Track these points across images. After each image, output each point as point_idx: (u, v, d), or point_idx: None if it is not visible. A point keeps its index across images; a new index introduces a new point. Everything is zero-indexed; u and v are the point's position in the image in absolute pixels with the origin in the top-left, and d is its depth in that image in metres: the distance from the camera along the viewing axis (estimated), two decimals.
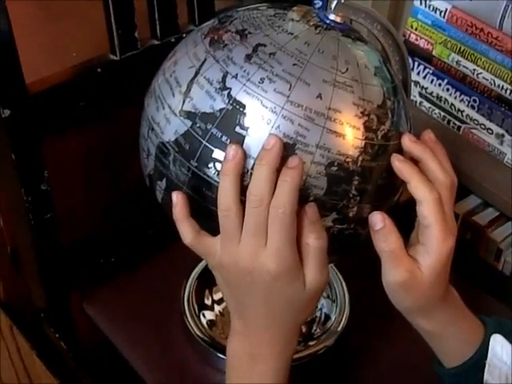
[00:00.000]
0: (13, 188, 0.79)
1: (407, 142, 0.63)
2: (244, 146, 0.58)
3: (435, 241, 0.61)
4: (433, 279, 0.62)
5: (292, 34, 0.61)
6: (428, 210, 0.61)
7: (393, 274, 0.62)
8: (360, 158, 0.60)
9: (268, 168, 0.57)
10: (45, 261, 0.87)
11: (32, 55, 0.91)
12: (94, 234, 0.94)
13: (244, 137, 0.58)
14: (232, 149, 0.58)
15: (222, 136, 0.59)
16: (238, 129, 0.58)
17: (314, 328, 0.88)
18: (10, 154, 0.75)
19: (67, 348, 0.90)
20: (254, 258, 0.59)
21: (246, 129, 0.58)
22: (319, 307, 0.90)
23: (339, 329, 0.87)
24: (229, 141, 0.58)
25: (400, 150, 0.63)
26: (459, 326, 0.67)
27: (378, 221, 0.61)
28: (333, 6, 0.64)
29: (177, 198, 0.61)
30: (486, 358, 0.67)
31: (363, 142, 0.60)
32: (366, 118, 0.60)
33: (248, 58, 0.59)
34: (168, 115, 0.62)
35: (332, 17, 0.64)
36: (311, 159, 0.58)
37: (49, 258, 0.87)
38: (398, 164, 0.61)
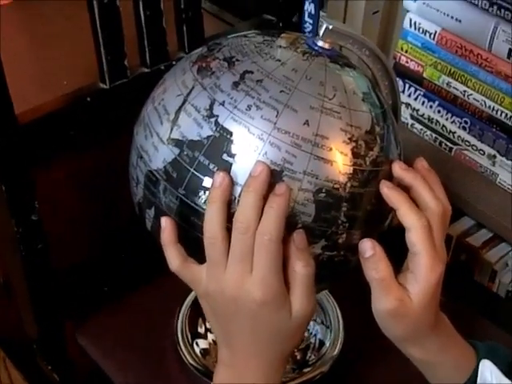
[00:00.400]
0: (3, 219, 0.79)
1: (397, 169, 0.62)
2: (231, 173, 0.58)
3: (423, 268, 0.61)
4: (422, 307, 0.62)
5: (279, 60, 0.61)
6: (416, 238, 0.60)
7: (382, 302, 0.61)
8: (348, 185, 0.59)
9: (255, 195, 0.57)
10: (37, 291, 0.86)
11: (21, 83, 0.91)
12: (87, 263, 0.93)
13: (231, 164, 0.58)
14: (219, 176, 0.58)
15: (209, 164, 0.58)
16: (225, 156, 0.58)
17: (309, 355, 0.87)
18: (0, 186, 0.74)
19: (60, 380, 0.89)
20: (239, 286, 0.59)
21: (233, 156, 0.58)
22: (313, 333, 0.90)
23: (334, 354, 0.86)
24: (216, 168, 0.58)
25: (390, 176, 0.62)
26: (450, 353, 0.67)
27: (368, 248, 0.61)
28: (321, 32, 0.64)
29: (165, 223, 0.61)
30: None
31: (351, 168, 0.59)
32: (353, 144, 0.59)
33: (235, 85, 0.59)
34: (156, 143, 0.61)
35: (320, 43, 0.64)
36: (299, 186, 0.58)
37: (41, 288, 0.86)
38: (387, 191, 0.61)
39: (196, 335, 0.88)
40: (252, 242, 0.58)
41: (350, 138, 0.59)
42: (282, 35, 0.66)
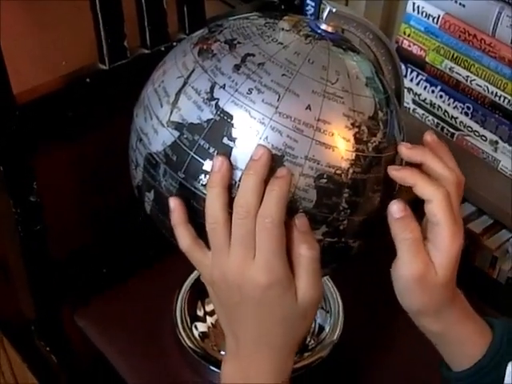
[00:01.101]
0: (1, 199, 0.78)
1: (404, 150, 0.62)
2: (231, 157, 0.58)
3: (446, 238, 0.60)
4: (445, 276, 0.61)
5: (282, 43, 0.61)
6: (437, 208, 0.60)
7: (410, 266, 0.60)
8: (350, 171, 0.59)
9: (255, 178, 0.57)
10: (34, 273, 0.86)
11: (20, 64, 0.90)
12: (86, 246, 0.93)
13: (231, 148, 0.58)
14: (218, 160, 0.57)
15: (209, 147, 0.58)
16: (225, 140, 0.58)
17: (308, 339, 0.87)
18: None
19: (58, 362, 0.89)
20: (242, 271, 0.58)
21: (233, 140, 0.57)
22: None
23: (334, 339, 0.86)
24: (216, 152, 0.58)
25: (393, 162, 0.62)
26: (467, 327, 0.66)
27: (399, 209, 0.60)
28: (324, 15, 0.63)
29: (174, 203, 0.60)
30: (494, 361, 0.65)
31: (354, 153, 0.59)
32: (356, 130, 0.59)
33: (236, 68, 0.59)
34: (156, 126, 0.61)
35: (323, 26, 0.63)
36: (300, 171, 0.57)
37: (39, 270, 0.86)
38: (397, 172, 0.61)
39: (195, 318, 0.88)
40: (253, 226, 0.57)
41: (352, 124, 0.59)
42: (285, 18, 0.65)
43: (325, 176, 0.58)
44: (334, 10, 0.62)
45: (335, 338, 0.86)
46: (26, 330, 0.91)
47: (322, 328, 0.88)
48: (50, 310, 0.90)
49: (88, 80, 0.80)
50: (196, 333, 0.87)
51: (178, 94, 0.60)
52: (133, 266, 0.95)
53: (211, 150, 0.58)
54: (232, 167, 0.58)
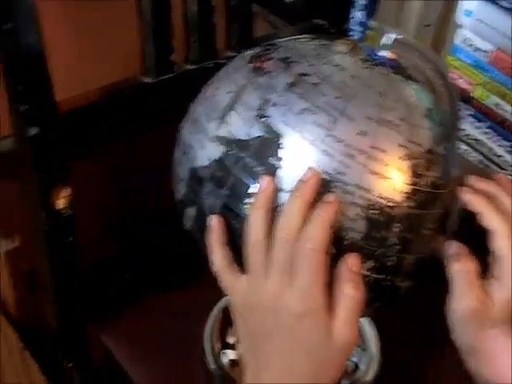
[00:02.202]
0: (33, 210, 0.76)
1: (474, 180, 0.61)
2: (276, 178, 0.55)
3: (509, 273, 0.58)
4: (504, 313, 0.59)
5: (338, 65, 0.59)
6: (501, 241, 0.58)
7: (464, 300, 0.59)
8: (403, 204, 0.56)
9: (301, 201, 0.54)
10: (62, 284, 0.83)
11: (62, 71, 0.88)
12: (114, 259, 0.91)
13: (277, 169, 0.55)
14: (265, 180, 0.55)
15: (255, 166, 0.56)
16: (272, 160, 0.56)
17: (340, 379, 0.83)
18: (34, 175, 0.72)
19: (80, 378, 0.86)
20: (278, 298, 0.55)
21: (280, 160, 0.55)
22: None
23: (368, 380, 0.82)
24: (262, 171, 0.56)
25: (450, 201, 0.59)
26: None
27: (455, 246, 0.59)
28: (384, 41, 0.61)
29: (214, 222, 0.58)
30: None
31: (408, 186, 0.56)
32: (412, 162, 0.56)
33: (290, 86, 0.57)
34: (203, 140, 0.59)
35: (383, 53, 0.61)
36: (350, 199, 0.55)
37: (66, 281, 0.83)
38: (469, 195, 0.60)
39: (225, 345, 0.85)
40: (294, 250, 0.54)
41: (408, 155, 0.56)
42: (340, 40, 0.63)
43: (376, 207, 0.55)
44: (395, 37, 0.60)
45: (370, 378, 0.82)
46: (48, 343, 0.89)
47: (356, 367, 0.84)
48: (74, 323, 0.87)
49: (131, 92, 0.78)
50: (225, 360, 0.83)
51: (227, 109, 0.58)
52: (165, 282, 0.92)
53: (257, 168, 0.56)
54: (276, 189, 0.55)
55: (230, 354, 0.84)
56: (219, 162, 0.58)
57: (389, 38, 0.60)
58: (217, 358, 0.83)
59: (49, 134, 0.70)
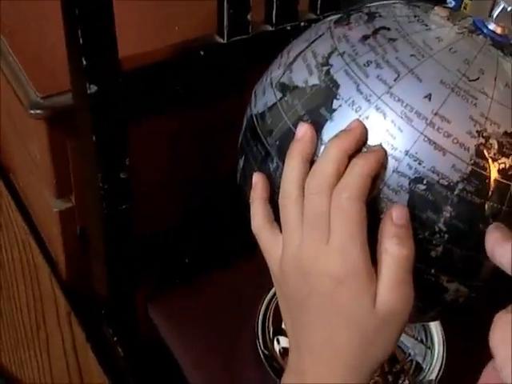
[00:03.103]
0: (89, 172, 0.71)
1: None
2: (323, 130, 0.50)
3: None
4: None
5: (427, 25, 0.52)
6: None
7: None
8: (459, 186, 0.48)
9: (339, 149, 0.48)
10: (114, 251, 0.79)
11: (128, 25, 0.82)
12: (170, 230, 0.85)
13: (326, 120, 0.50)
14: (302, 127, 0.50)
15: (304, 114, 0.51)
16: (322, 110, 0.51)
17: (403, 379, 0.76)
18: (91, 135, 0.66)
19: (124, 354, 0.82)
20: (312, 259, 0.48)
21: (331, 112, 0.50)
22: (411, 354, 0.78)
23: (431, 380, 0.75)
24: (309, 121, 0.50)
25: None
26: None
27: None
28: (495, 13, 0.53)
29: (257, 178, 0.53)
30: None
31: (470, 167, 0.48)
32: (481, 140, 0.48)
33: (364, 38, 0.52)
34: (266, 86, 0.56)
35: (491, 26, 0.53)
36: (395, 167, 0.48)
37: (119, 248, 0.79)
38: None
39: (278, 331, 0.79)
40: (327, 203, 0.48)
41: (478, 132, 0.48)
42: (442, 7, 0.56)
43: (425, 182, 0.48)
44: (509, 9, 0.52)
45: (433, 377, 0.76)
46: (96, 312, 0.85)
47: (419, 366, 0.77)
48: (124, 291, 0.83)
49: (202, 53, 0.71)
50: (277, 348, 0.78)
51: (297, 56, 0.55)
52: (220, 258, 0.87)
53: (305, 118, 0.51)
54: (321, 142, 0.50)
55: (283, 342, 0.78)
56: (272, 109, 0.54)
57: (504, 8, 0.52)
58: (269, 343, 0.77)
59: (108, 94, 0.64)
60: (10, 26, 0.82)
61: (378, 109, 0.49)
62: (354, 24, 0.54)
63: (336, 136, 0.49)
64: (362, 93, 0.50)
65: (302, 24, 0.75)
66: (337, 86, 0.51)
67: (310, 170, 0.50)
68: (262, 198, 0.53)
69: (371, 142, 0.49)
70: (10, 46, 0.80)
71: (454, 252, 0.49)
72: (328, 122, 0.50)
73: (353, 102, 0.50)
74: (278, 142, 0.53)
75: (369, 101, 0.49)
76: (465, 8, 1.02)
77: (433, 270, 0.50)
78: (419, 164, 0.48)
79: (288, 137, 0.52)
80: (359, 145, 0.48)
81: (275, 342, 0.78)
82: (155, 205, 0.86)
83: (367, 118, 0.49)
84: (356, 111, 0.50)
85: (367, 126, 0.49)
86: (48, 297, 0.93)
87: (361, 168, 0.47)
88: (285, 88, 0.54)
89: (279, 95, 0.54)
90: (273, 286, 0.80)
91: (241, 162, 0.57)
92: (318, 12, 0.77)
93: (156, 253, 0.85)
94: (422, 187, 0.48)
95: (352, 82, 0.50)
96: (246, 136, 0.57)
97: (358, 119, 0.49)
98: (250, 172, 0.55)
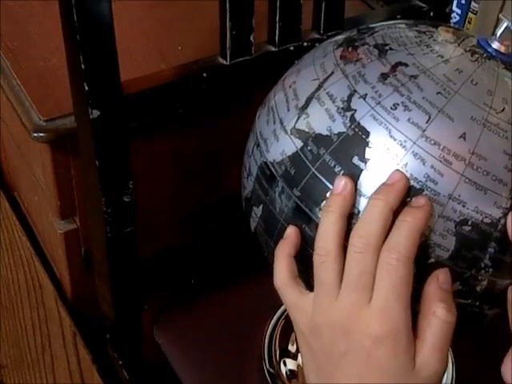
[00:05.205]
0: (93, 196, 0.71)
1: None
2: (358, 181, 0.49)
3: None
4: None
5: (442, 56, 0.52)
6: None
7: None
8: (502, 221, 0.48)
9: (384, 206, 0.47)
10: (118, 274, 0.78)
11: (132, 45, 0.83)
12: (175, 250, 0.85)
13: (361, 170, 0.49)
14: (341, 181, 0.48)
15: (335, 166, 0.49)
16: (355, 160, 0.49)
17: None
18: (94, 160, 0.66)
19: (129, 377, 0.81)
20: (353, 317, 0.48)
21: (365, 161, 0.49)
22: None
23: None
24: (342, 172, 0.49)
25: None
26: None
27: None
28: (499, 31, 0.52)
29: (290, 231, 0.52)
30: None
31: (509, 201, 0.48)
32: None
33: (383, 77, 0.50)
34: (278, 131, 0.53)
35: (495, 45, 0.53)
36: (440, 212, 0.48)
37: (123, 272, 0.78)
38: None
39: (285, 353, 0.78)
40: (373, 262, 0.47)
41: None
42: (445, 28, 0.55)
43: (469, 222, 0.48)
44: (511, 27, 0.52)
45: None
46: (101, 335, 0.84)
47: None
48: (129, 316, 0.82)
49: (205, 75, 0.71)
50: (283, 370, 0.77)
51: (309, 99, 0.52)
52: (225, 278, 0.86)
53: (337, 168, 0.49)
54: (357, 193, 0.49)
55: (289, 364, 0.78)
56: (294, 159, 0.52)
57: (507, 27, 0.52)
58: (275, 365, 0.77)
59: (110, 116, 0.64)
60: (14, 49, 0.83)
61: (415, 155, 0.48)
62: (365, 60, 0.52)
63: (379, 190, 0.48)
64: (395, 139, 0.49)
65: (305, 44, 0.74)
66: (366, 133, 0.49)
67: (347, 223, 0.49)
68: (289, 253, 0.52)
69: (414, 188, 0.48)
70: (13, 70, 0.80)
71: (498, 283, 0.50)
72: (363, 172, 0.49)
73: (387, 149, 0.49)
74: (307, 194, 0.51)
75: (404, 147, 0.48)
76: (469, 22, 1.02)
77: (477, 303, 0.51)
78: (463, 206, 0.48)
79: (318, 188, 0.50)
80: (403, 198, 0.48)
81: (281, 364, 0.78)
82: (159, 225, 0.86)
83: (405, 165, 0.48)
84: (393, 159, 0.49)
85: (407, 174, 0.48)
86: (53, 318, 0.93)
87: (409, 227, 0.47)
88: (305, 136, 0.52)
89: (299, 143, 0.52)
90: (279, 307, 0.80)
91: (257, 211, 0.56)
92: (322, 31, 0.76)
93: (161, 274, 0.84)
94: (468, 228, 0.48)
95: (382, 128, 0.49)
96: (262, 185, 0.55)
97: (398, 170, 0.48)
98: (273, 222, 0.54)
